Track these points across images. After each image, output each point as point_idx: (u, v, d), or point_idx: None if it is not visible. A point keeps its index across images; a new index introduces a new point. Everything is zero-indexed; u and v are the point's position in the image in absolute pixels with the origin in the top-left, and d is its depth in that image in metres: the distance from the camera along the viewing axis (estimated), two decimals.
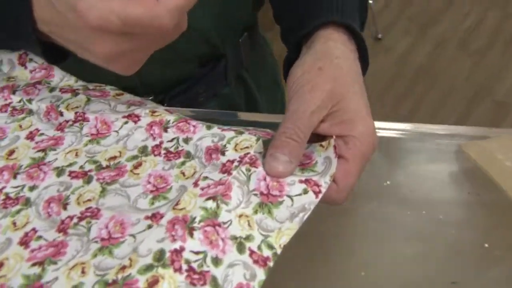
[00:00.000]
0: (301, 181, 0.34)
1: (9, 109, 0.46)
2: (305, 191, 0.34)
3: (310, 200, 0.33)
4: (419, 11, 2.26)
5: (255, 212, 0.33)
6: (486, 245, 0.39)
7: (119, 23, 0.28)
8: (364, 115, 0.37)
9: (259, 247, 0.32)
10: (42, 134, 0.42)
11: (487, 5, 2.24)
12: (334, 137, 0.36)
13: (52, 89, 0.47)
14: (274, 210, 0.33)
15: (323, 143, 0.37)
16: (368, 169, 0.38)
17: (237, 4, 0.57)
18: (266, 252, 0.31)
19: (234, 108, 0.65)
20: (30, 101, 0.46)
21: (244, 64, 0.64)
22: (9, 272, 0.31)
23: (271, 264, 0.31)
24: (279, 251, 0.32)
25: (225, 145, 0.37)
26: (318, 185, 0.34)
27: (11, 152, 0.41)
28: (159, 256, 0.29)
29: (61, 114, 0.44)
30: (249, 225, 0.32)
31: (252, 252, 0.31)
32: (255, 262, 0.31)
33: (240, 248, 0.31)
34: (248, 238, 0.32)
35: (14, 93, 0.47)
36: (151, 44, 0.34)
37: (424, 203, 0.43)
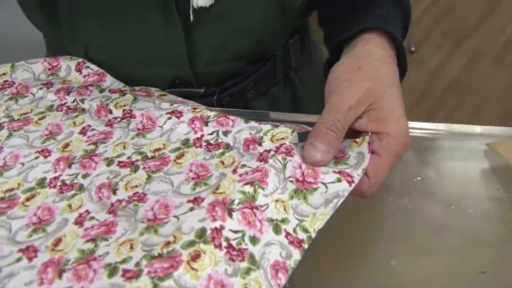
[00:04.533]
0: (334, 172, 0.36)
1: (64, 108, 0.50)
2: (339, 180, 0.36)
3: (344, 187, 0.35)
4: (453, 25, 2.24)
5: (291, 197, 0.35)
6: None
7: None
8: (398, 116, 0.39)
9: (294, 230, 0.34)
10: (93, 129, 0.46)
11: None
12: (370, 134, 0.38)
13: (102, 90, 0.51)
14: (309, 196, 0.35)
15: (357, 140, 0.39)
16: (400, 165, 0.39)
17: (286, 7, 0.57)
18: (301, 235, 0.34)
19: (282, 108, 0.66)
20: (82, 101, 0.50)
21: (293, 65, 0.65)
22: (66, 247, 0.34)
23: (305, 246, 0.33)
24: (313, 235, 0.34)
25: (262, 137, 0.39)
26: (351, 176, 0.36)
27: (66, 145, 0.44)
28: (201, 233, 0.31)
29: (110, 111, 0.47)
30: (284, 209, 0.35)
31: (287, 234, 0.33)
32: (291, 243, 0.33)
33: (277, 230, 0.33)
34: (284, 221, 0.34)
35: (68, 94, 0.51)
36: None
37: (453, 198, 0.44)
